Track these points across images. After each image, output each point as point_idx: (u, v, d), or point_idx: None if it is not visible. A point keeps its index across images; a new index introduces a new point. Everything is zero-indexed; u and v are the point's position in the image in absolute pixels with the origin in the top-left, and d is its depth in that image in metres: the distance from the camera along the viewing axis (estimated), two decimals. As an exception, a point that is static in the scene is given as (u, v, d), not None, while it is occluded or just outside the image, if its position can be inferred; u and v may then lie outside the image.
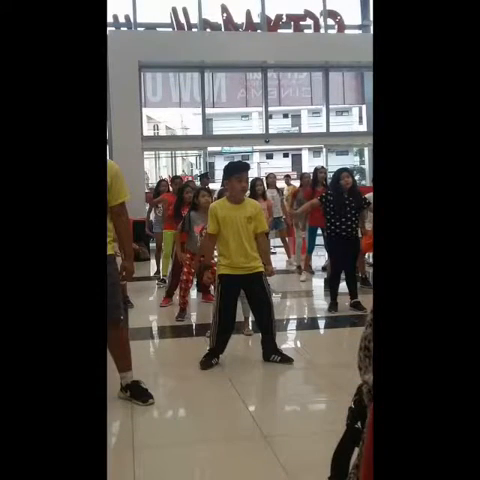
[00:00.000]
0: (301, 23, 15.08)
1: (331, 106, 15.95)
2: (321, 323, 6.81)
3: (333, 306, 6.78)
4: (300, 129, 29.04)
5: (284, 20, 15.01)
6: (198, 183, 10.60)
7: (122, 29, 14.72)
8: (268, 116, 15.67)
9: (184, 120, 25.37)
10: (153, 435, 3.61)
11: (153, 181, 17.07)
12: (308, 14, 15.09)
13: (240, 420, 3.87)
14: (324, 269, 9.25)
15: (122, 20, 14.64)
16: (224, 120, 28.01)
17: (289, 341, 5.85)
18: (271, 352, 4.92)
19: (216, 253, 5.07)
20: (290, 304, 7.90)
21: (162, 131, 24.24)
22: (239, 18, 14.79)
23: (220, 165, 18.40)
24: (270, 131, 15.74)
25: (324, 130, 15.72)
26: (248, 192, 6.01)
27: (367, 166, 16.48)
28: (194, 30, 14.59)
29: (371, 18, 12.60)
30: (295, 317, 7.33)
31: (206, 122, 15.71)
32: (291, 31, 15.03)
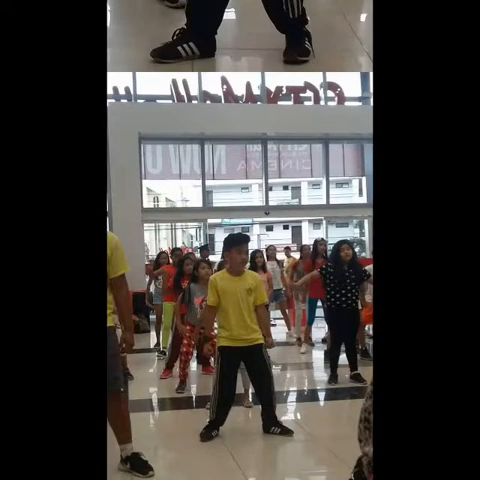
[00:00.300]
0: (301, 95, 15.24)
1: (331, 178, 15.96)
2: (321, 395, 6.76)
3: (333, 378, 6.75)
4: (300, 201, 29.01)
5: (284, 92, 15.16)
6: (198, 255, 10.64)
7: (122, 101, 14.72)
8: (268, 188, 15.74)
9: (184, 192, 25.45)
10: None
11: (153, 253, 17.01)
12: (308, 86, 15.24)
13: (240, 493, 3.84)
14: (324, 341, 9.23)
15: (122, 92, 14.65)
16: (224, 192, 28.00)
17: (289, 413, 5.81)
18: (271, 424, 4.89)
19: (216, 325, 5.09)
20: (290, 376, 7.86)
21: (162, 203, 24.33)
22: (239, 90, 14.91)
23: (220, 237, 18.42)
24: (270, 203, 15.76)
25: (324, 202, 15.73)
26: (248, 264, 6.06)
27: (367, 238, 16.42)
28: (194, 102, 14.70)
29: (371, 90, 12.90)
30: (295, 389, 7.27)
31: (206, 194, 15.70)
32: (291, 103, 15.19)
